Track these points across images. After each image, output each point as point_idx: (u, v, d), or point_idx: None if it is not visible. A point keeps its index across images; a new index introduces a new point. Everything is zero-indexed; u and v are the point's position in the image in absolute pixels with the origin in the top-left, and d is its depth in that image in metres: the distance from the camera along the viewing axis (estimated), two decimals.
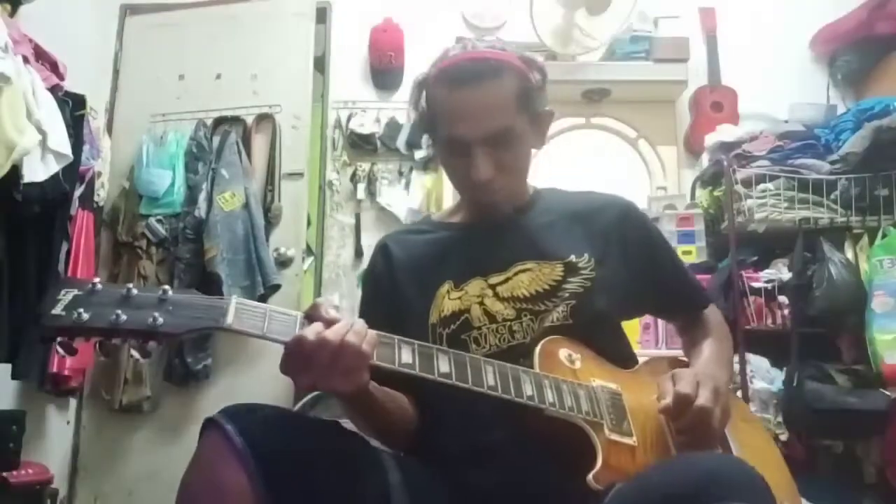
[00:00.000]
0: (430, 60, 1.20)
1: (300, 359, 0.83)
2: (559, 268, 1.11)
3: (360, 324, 0.87)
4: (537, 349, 0.99)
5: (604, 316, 1.12)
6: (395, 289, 1.17)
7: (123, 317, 0.78)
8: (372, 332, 0.87)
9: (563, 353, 1.02)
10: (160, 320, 0.78)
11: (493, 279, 1.11)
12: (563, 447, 0.92)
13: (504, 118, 1.08)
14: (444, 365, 0.89)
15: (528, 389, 0.92)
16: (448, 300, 1.11)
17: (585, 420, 0.92)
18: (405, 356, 0.89)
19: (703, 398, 0.93)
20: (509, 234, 1.16)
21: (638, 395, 1.00)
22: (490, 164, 1.08)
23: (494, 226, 1.16)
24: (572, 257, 1.12)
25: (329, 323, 0.85)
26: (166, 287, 0.82)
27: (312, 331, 0.83)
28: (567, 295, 1.08)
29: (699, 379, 0.97)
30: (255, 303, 0.86)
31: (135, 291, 0.80)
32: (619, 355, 1.12)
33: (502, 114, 1.08)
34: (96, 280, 0.80)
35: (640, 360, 1.19)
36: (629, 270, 1.16)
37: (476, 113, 1.07)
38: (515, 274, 1.11)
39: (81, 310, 0.76)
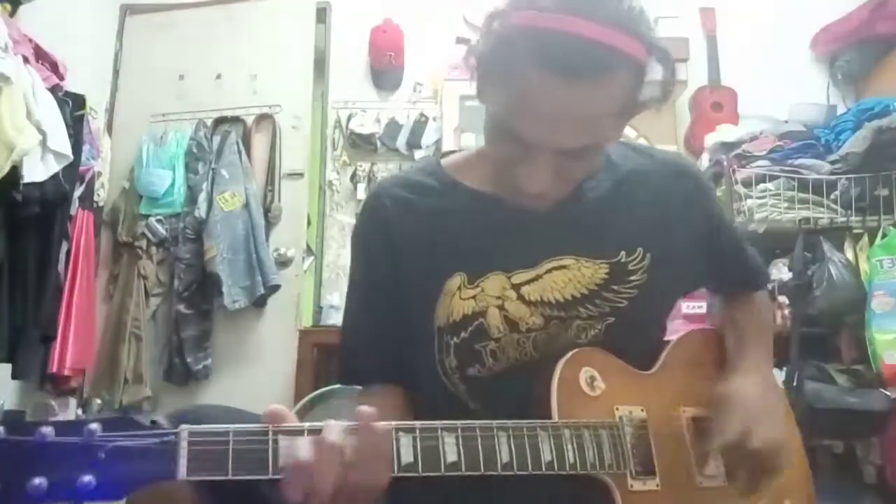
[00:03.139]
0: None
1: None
2: (604, 269, 0.92)
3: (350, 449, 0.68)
4: (555, 378, 0.86)
5: (646, 326, 0.99)
6: (394, 265, 0.96)
7: (43, 484, 0.57)
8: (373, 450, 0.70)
9: (584, 375, 0.88)
10: (92, 483, 0.59)
11: (519, 277, 0.92)
12: (580, 487, 0.86)
13: (596, 132, 0.81)
14: (451, 453, 0.74)
15: (547, 454, 0.79)
16: (459, 300, 0.91)
17: (608, 474, 0.84)
18: (405, 455, 0.73)
19: (758, 441, 0.87)
20: (544, 216, 0.92)
21: (663, 414, 0.92)
22: (552, 174, 0.83)
23: (524, 207, 0.92)
24: (622, 255, 0.93)
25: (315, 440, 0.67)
26: (91, 424, 0.60)
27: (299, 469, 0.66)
28: (608, 309, 0.92)
29: (757, 413, 0.90)
30: (213, 429, 0.66)
31: (50, 435, 0.58)
32: (651, 351, 0.99)
33: (595, 127, 0.81)
34: None
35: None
36: (690, 256, 1.00)
37: (563, 122, 0.79)
38: (547, 272, 0.92)
39: None
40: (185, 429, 0.64)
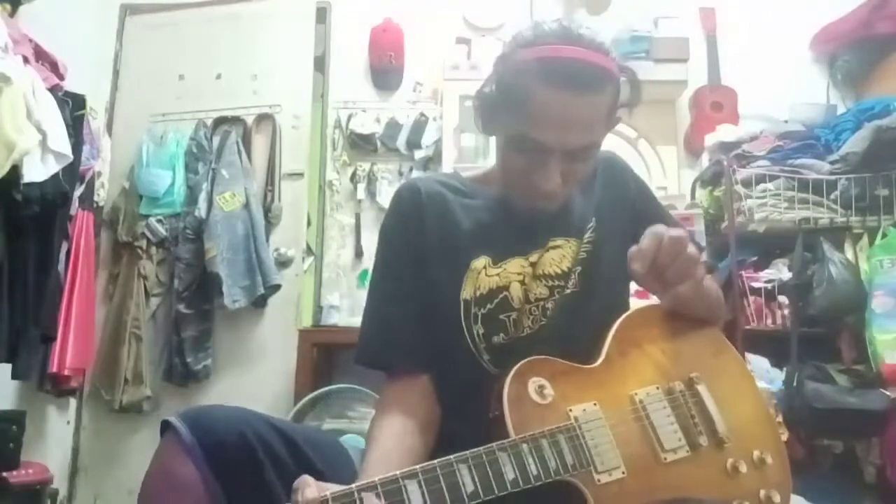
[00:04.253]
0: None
1: None
2: (578, 243, 1.11)
3: None
4: (504, 397, 0.91)
5: (607, 277, 1.11)
6: (425, 247, 1.11)
7: None
8: None
9: (533, 386, 0.93)
10: None
11: (533, 257, 1.09)
12: (552, 489, 0.89)
13: (594, 134, 1.02)
14: (415, 497, 0.78)
15: (510, 473, 0.83)
16: (485, 276, 1.07)
17: (573, 475, 0.87)
18: None
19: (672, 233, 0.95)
20: (546, 209, 1.11)
21: (616, 402, 0.96)
22: (560, 175, 1.01)
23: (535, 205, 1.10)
24: (585, 228, 1.12)
25: None
26: None
27: None
28: (577, 265, 1.09)
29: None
30: None
31: None
32: (615, 311, 1.10)
33: (594, 129, 1.01)
34: None
35: None
36: (625, 230, 1.13)
37: (571, 124, 0.98)
38: (547, 250, 1.10)
39: None
40: None
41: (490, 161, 1.22)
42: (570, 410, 0.93)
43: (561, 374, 0.96)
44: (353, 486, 0.76)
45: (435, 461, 0.81)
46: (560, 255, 1.09)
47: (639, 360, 1.02)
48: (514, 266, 1.08)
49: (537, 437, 0.87)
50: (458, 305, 1.06)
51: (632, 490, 0.89)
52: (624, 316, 1.07)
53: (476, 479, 0.81)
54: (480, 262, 1.08)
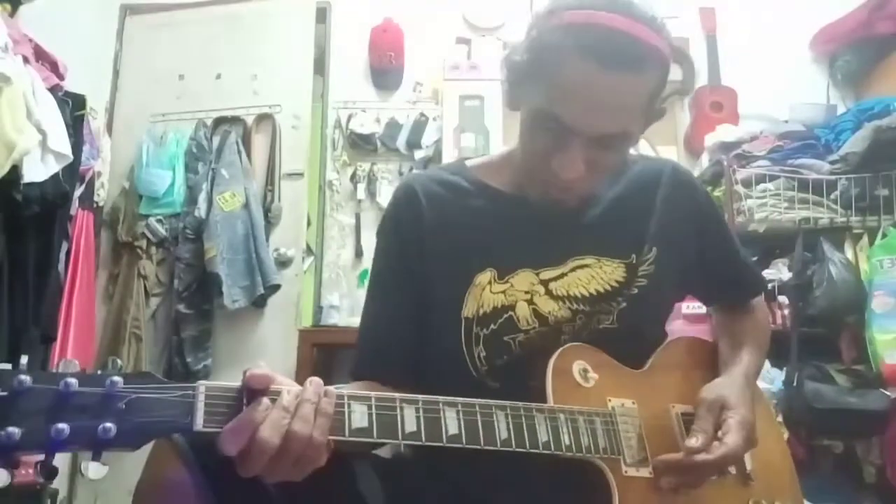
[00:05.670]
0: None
1: (239, 457, 0.67)
2: (621, 269, 0.99)
3: (307, 407, 0.68)
4: (549, 367, 0.89)
5: (653, 316, 1.04)
6: (423, 257, 1.00)
7: (65, 429, 0.58)
8: (326, 408, 0.69)
9: (577, 367, 0.92)
10: (112, 430, 0.60)
11: (546, 273, 0.98)
12: (576, 476, 0.88)
13: (627, 121, 0.89)
14: (452, 425, 0.76)
15: (544, 434, 0.82)
16: (489, 293, 0.97)
17: (603, 458, 0.86)
18: (409, 424, 0.74)
19: (733, 439, 0.89)
20: (568, 218, 0.99)
21: (653, 408, 0.95)
22: (584, 162, 0.89)
23: (551, 206, 0.98)
24: (633, 257, 0.99)
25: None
26: (115, 377, 0.62)
27: (241, 425, 0.66)
28: (622, 299, 0.98)
29: (745, 425, 0.91)
30: (228, 386, 0.68)
31: (74, 385, 0.60)
32: (649, 352, 1.04)
33: (628, 116, 0.89)
34: (22, 370, 0.59)
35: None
36: (687, 254, 1.05)
37: (601, 108, 0.86)
38: (572, 270, 0.98)
39: (11, 425, 0.57)
40: (202, 384, 0.67)
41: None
42: (609, 400, 0.92)
43: (606, 367, 0.95)
44: (397, 395, 0.75)
45: (475, 400, 0.80)
46: (588, 276, 0.98)
47: (681, 381, 1.01)
48: (522, 282, 0.97)
49: (575, 412, 0.86)
50: (460, 323, 0.97)
51: (655, 492, 0.88)
52: (674, 338, 1.06)
53: (511, 429, 0.80)
54: (485, 277, 0.97)
